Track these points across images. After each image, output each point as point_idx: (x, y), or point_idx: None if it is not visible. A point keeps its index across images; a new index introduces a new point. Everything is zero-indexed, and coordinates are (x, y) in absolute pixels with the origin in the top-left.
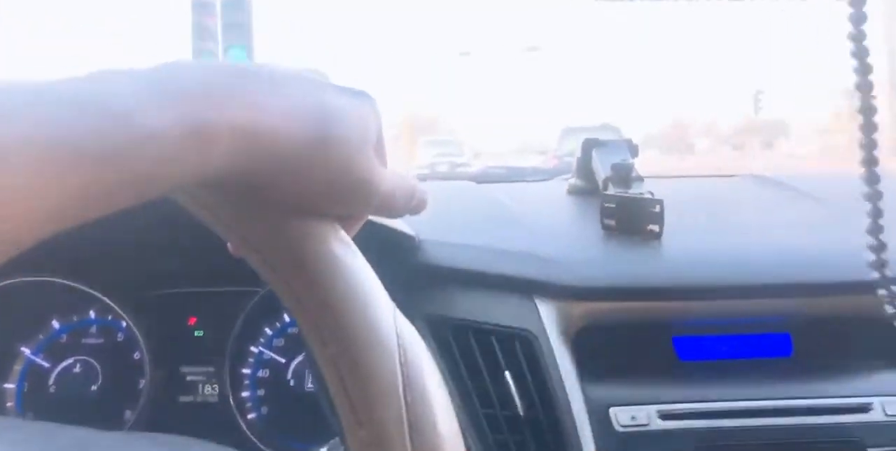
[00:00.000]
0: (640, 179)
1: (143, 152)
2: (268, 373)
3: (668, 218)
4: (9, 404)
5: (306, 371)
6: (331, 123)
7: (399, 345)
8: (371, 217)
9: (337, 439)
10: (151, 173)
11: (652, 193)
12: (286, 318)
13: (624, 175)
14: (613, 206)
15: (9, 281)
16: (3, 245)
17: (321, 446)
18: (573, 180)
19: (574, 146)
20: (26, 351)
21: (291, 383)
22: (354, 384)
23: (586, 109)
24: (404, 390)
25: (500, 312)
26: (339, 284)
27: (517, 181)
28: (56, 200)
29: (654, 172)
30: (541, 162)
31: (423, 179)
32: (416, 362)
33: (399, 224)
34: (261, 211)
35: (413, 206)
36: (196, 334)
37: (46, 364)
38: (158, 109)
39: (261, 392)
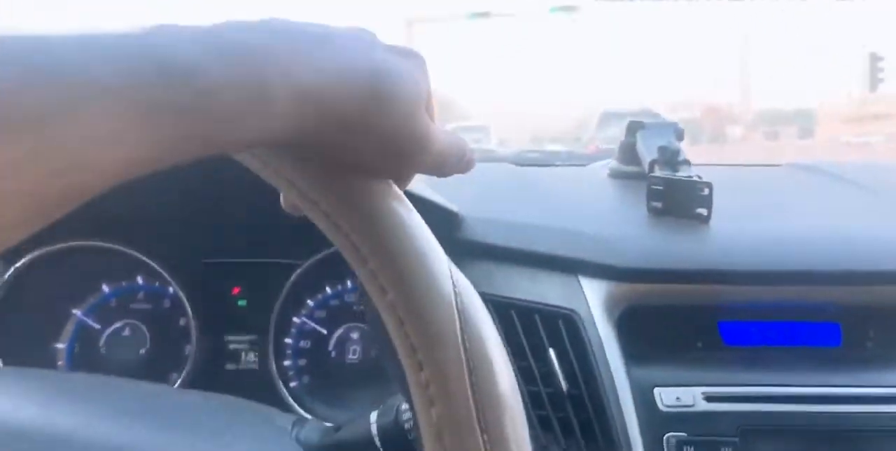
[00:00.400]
0: (688, 162)
1: (206, 109)
2: (309, 344)
3: (716, 203)
4: (60, 363)
5: (347, 343)
6: (383, 83)
7: (455, 292)
8: (415, 191)
9: (387, 404)
10: (215, 130)
11: (700, 177)
12: (328, 290)
13: (671, 158)
14: (661, 188)
15: (61, 245)
16: (79, 191)
17: (363, 414)
18: (615, 163)
19: (614, 132)
20: (77, 313)
21: (333, 354)
22: (414, 327)
23: (614, 93)
24: (462, 333)
25: (544, 290)
26: (396, 236)
27: (555, 165)
28: (128, 150)
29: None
30: (577, 149)
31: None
32: (472, 308)
33: (442, 200)
34: (320, 168)
35: (463, 165)
36: (240, 303)
37: (97, 326)
38: (220, 67)
39: (302, 362)
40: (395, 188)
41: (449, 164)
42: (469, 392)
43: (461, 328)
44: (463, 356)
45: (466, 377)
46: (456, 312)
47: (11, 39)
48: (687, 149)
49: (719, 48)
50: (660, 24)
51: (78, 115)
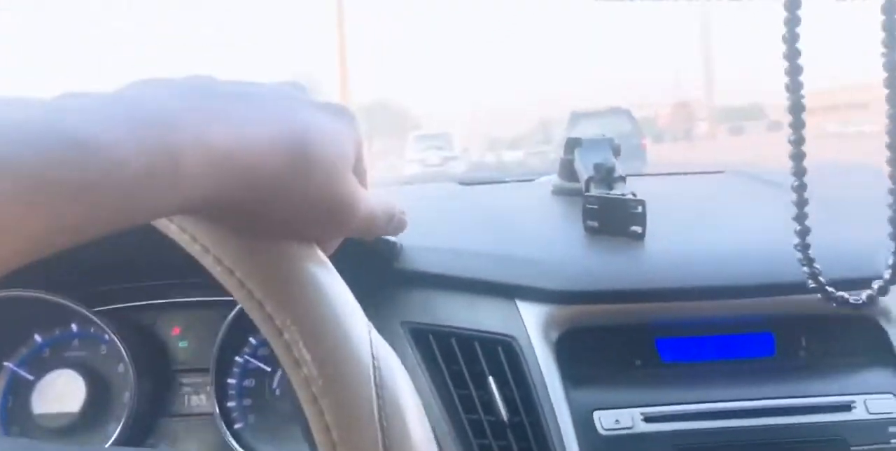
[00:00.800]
0: (623, 179)
1: (111, 182)
2: (253, 382)
3: (652, 218)
4: None
5: None
6: (309, 145)
7: (375, 366)
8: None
9: None
10: (123, 204)
11: (634, 194)
12: None
13: (606, 175)
14: (596, 207)
15: None
16: None
17: None
18: (557, 180)
19: (584, 132)
20: (9, 365)
21: (277, 392)
22: (329, 406)
23: (575, 93)
24: (380, 413)
25: (482, 317)
26: (313, 305)
27: (501, 182)
28: (25, 234)
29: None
30: (539, 153)
31: (408, 182)
32: (392, 384)
33: None
34: (235, 233)
35: (392, 227)
36: (181, 344)
37: (31, 377)
38: (126, 138)
39: (247, 402)
40: (318, 252)
41: (377, 226)
42: None
43: (379, 408)
44: (379, 436)
45: None
46: (374, 387)
47: None
48: (653, 148)
49: (680, 43)
50: (617, 20)
51: None
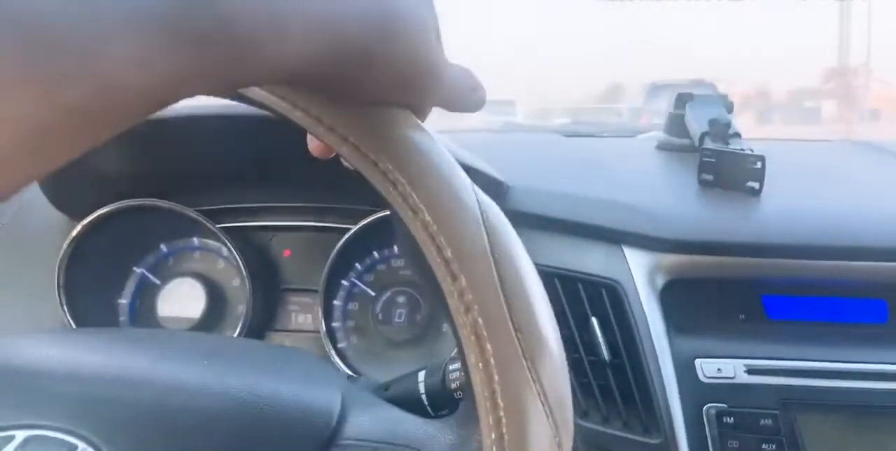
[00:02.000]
0: (739, 135)
1: (225, 37)
2: (357, 306)
3: (768, 176)
4: (122, 318)
5: (393, 307)
6: (394, 13)
7: (481, 211)
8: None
9: (433, 364)
10: (234, 59)
11: (752, 150)
12: (376, 255)
13: (722, 131)
14: (712, 160)
15: (123, 204)
16: (116, 114)
17: (410, 373)
18: (664, 135)
19: (663, 104)
20: (139, 270)
21: (380, 316)
22: (446, 241)
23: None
24: (489, 243)
25: (587, 260)
26: (422, 159)
27: (603, 137)
28: (155, 75)
29: None
30: (626, 121)
31: (507, 131)
32: (496, 221)
33: (488, 169)
34: (343, 102)
35: (475, 99)
36: (291, 265)
37: (157, 282)
38: None
39: (350, 324)
40: (414, 118)
41: (461, 97)
42: (501, 296)
43: (489, 240)
44: (493, 264)
45: (497, 282)
46: (483, 225)
47: None
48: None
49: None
50: None
51: (109, 38)
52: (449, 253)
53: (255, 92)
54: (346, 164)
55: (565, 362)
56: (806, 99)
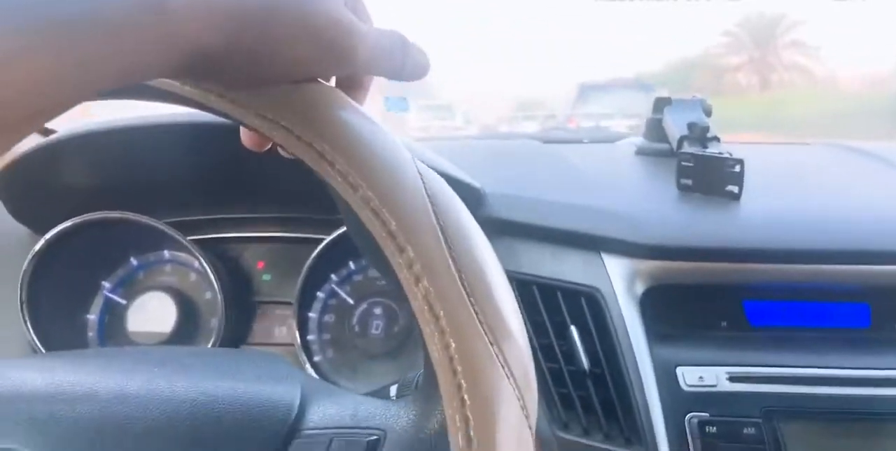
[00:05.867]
0: (717, 139)
1: (83, 25)
2: (333, 318)
3: (747, 180)
4: (90, 334)
5: (370, 318)
6: None
7: (423, 181)
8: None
9: (406, 378)
10: (102, 51)
11: (731, 154)
12: (352, 265)
13: (700, 134)
14: (691, 164)
15: (89, 217)
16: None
17: (383, 387)
18: (642, 140)
19: (595, 107)
20: (106, 285)
21: (356, 328)
22: (390, 214)
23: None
24: (434, 212)
25: (566, 268)
26: (356, 138)
27: (580, 143)
28: (32, 70)
29: None
30: (553, 126)
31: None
32: (438, 189)
33: (465, 177)
34: (265, 83)
35: (409, 65)
36: (264, 277)
37: (125, 299)
38: None
39: (326, 336)
40: (343, 95)
41: (388, 63)
42: (451, 263)
43: (433, 209)
44: (439, 233)
45: (446, 250)
46: (426, 194)
47: None
48: None
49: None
50: None
51: None
52: (393, 226)
53: (174, 86)
54: (283, 153)
55: (523, 326)
56: None
